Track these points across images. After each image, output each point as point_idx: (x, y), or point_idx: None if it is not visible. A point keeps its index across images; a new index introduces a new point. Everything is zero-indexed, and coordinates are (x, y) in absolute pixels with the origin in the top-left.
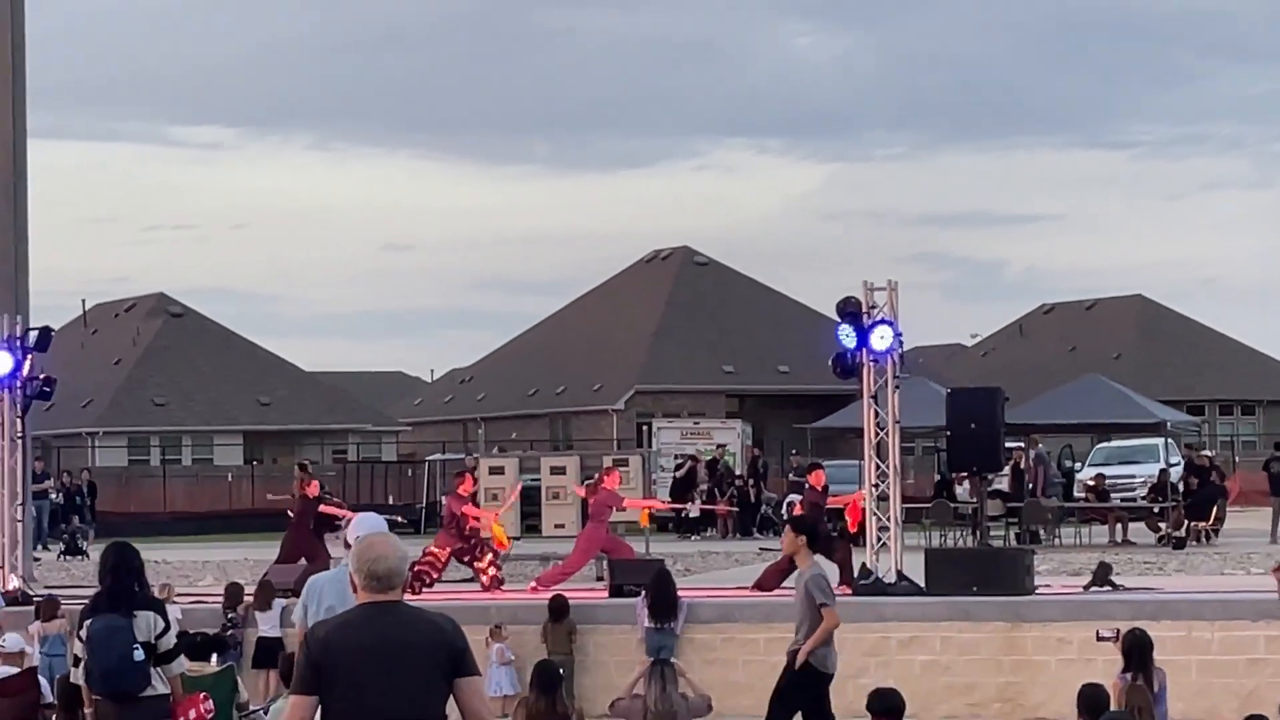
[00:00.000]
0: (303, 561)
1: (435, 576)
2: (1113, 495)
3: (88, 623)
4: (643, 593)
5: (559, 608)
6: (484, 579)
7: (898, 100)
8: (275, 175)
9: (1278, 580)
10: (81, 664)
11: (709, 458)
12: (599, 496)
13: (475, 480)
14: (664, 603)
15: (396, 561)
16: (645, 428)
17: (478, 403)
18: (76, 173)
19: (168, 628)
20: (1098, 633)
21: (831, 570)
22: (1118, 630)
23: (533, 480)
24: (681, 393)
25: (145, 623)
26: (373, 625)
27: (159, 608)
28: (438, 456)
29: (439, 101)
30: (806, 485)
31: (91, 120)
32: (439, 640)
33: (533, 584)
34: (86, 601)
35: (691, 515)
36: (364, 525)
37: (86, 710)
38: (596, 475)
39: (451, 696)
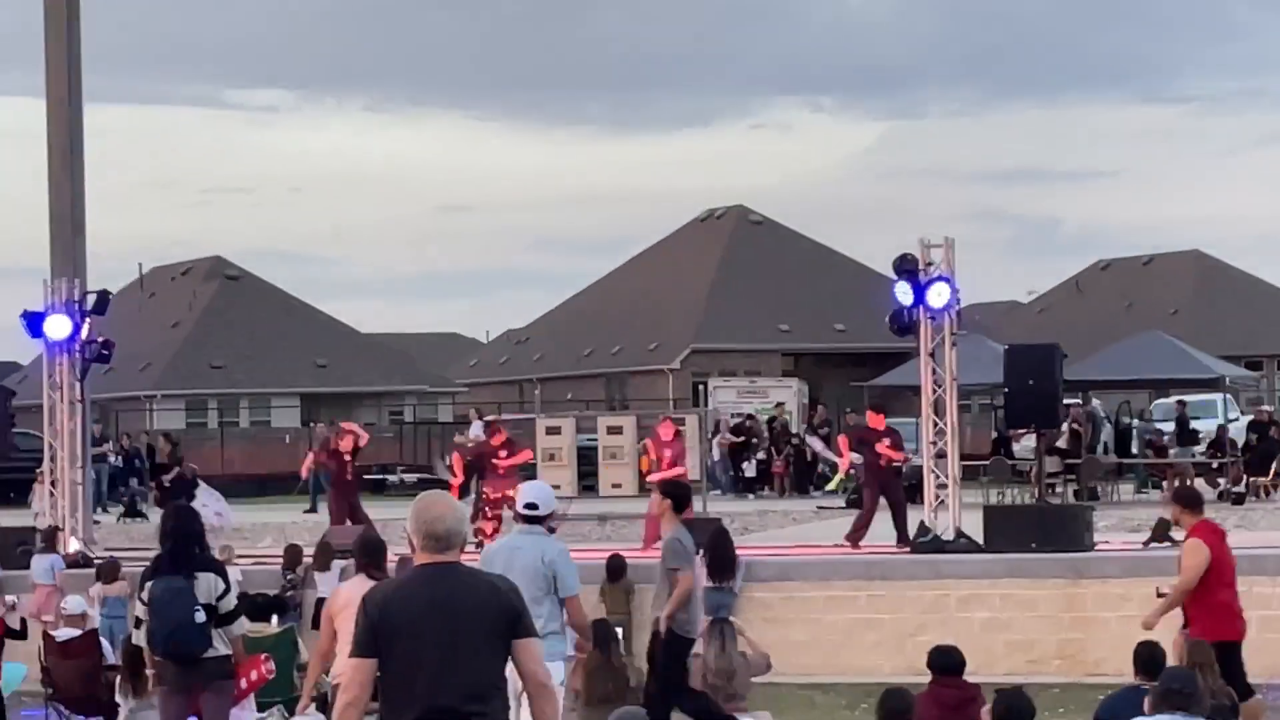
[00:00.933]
0: (347, 523)
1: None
2: (1171, 451)
3: (149, 585)
4: (700, 552)
5: (617, 568)
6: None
7: (953, 57)
8: (331, 137)
9: None
10: (143, 626)
11: (767, 416)
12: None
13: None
14: (722, 562)
15: (455, 522)
16: (701, 387)
17: (534, 363)
18: (133, 136)
19: (228, 589)
20: (1158, 589)
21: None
22: None
23: (589, 440)
24: (737, 352)
25: (206, 584)
26: (431, 587)
27: (220, 569)
28: (494, 417)
29: (495, 62)
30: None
31: (148, 84)
32: (497, 602)
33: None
34: (147, 564)
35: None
36: (531, 492)
37: (149, 671)
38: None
39: (509, 659)
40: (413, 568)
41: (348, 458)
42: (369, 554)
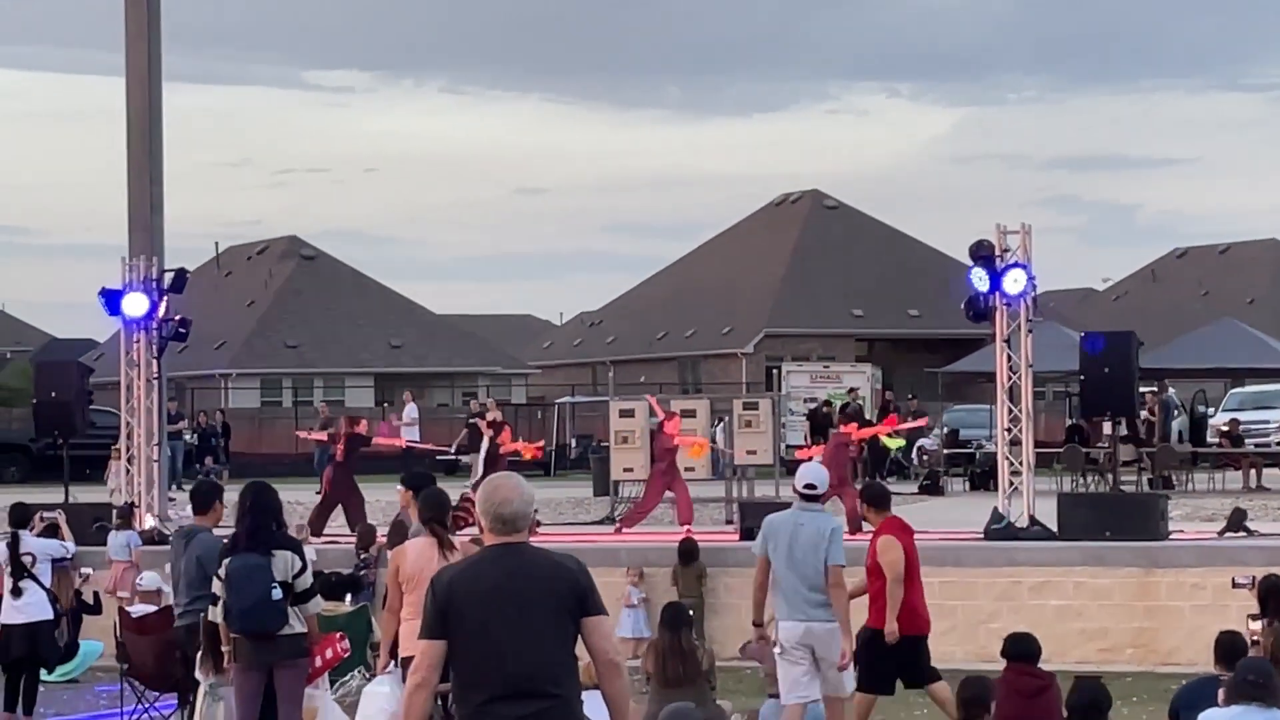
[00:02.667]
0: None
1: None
2: (1247, 440)
3: (226, 562)
4: None
5: (689, 551)
6: None
7: (1031, 43)
8: (408, 119)
9: None
10: (220, 602)
11: (841, 402)
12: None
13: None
14: None
15: (522, 504)
16: (774, 371)
17: (607, 346)
18: (211, 116)
19: (305, 567)
20: (1233, 579)
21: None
22: (1254, 577)
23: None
24: (811, 336)
25: (283, 562)
26: (499, 567)
27: (296, 547)
28: (567, 399)
29: (572, 45)
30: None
31: (227, 64)
32: (565, 581)
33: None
34: (224, 541)
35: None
36: (809, 474)
37: (225, 648)
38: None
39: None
40: (482, 548)
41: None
42: (433, 508)
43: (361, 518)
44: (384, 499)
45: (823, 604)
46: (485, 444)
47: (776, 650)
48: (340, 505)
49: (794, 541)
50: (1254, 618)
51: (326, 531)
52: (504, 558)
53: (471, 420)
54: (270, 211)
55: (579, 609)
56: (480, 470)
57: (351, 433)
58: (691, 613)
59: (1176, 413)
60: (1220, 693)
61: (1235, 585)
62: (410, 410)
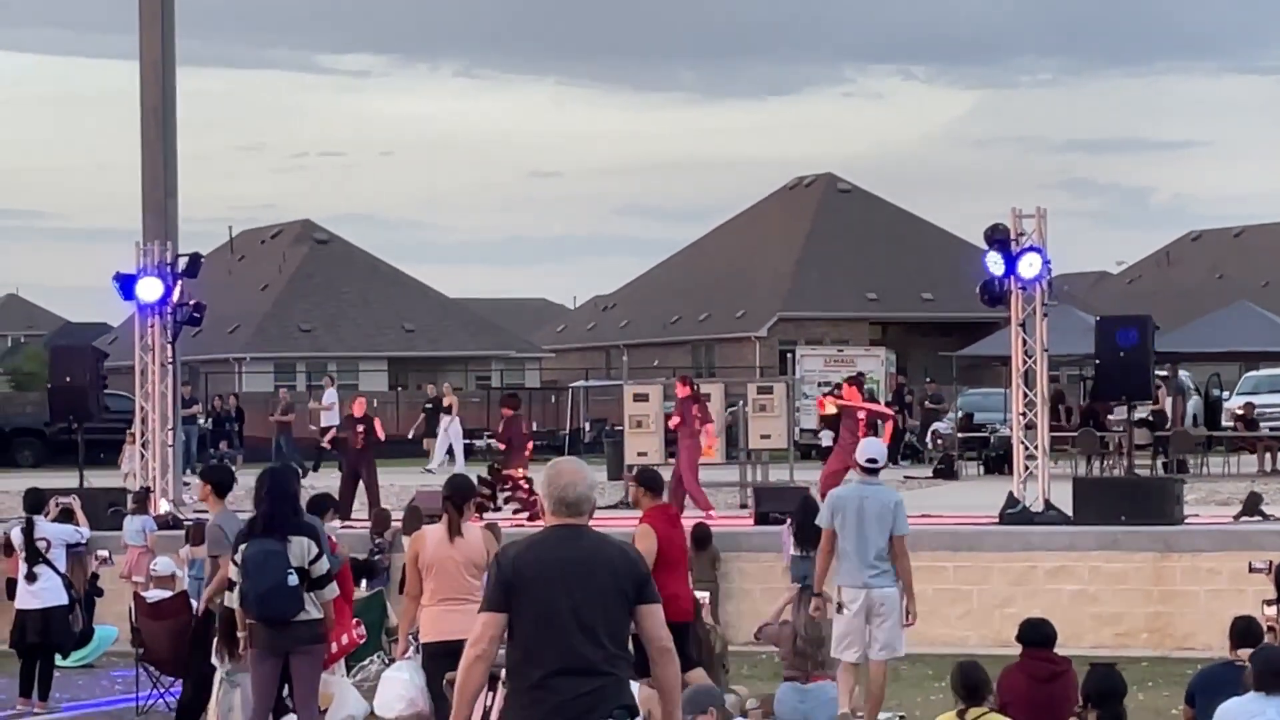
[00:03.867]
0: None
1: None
2: (1262, 424)
3: (243, 547)
4: (788, 520)
5: (702, 536)
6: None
7: (1046, 25)
8: (423, 102)
9: None
10: (236, 588)
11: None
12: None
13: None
14: (809, 530)
15: (586, 489)
16: (788, 355)
17: (621, 329)
18: (226, 100)
19: (321, 553)
20: (1250, 564)
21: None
22: (1270, 561)
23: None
24: (825, 320)
25: (299, 548)
26: (563, 547)
27: (313, 533)
28: (581, 383)
29: (587, 28)
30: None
31: (242, 48)
32: (626, 565)
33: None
34: (242, 526)
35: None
36: (871, 449)
37: (241, 634)
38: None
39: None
40: (545, 528)
41: (360, 427)
42: (452, 489)
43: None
44: (399, 483)
45: (883, 572)
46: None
47: (836, 610)
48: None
49: (861, 514)
50: (1269, 603)
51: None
52: (568, 538)
53: (428, 405)
54: (284, 195)
55: (636, 595)
56: (439, 454)
57: (352, 414)
58: (707, 597)
59: (1187, 395)
60: (1243, 681)
61: (1252, 570)
62: (329, 395)
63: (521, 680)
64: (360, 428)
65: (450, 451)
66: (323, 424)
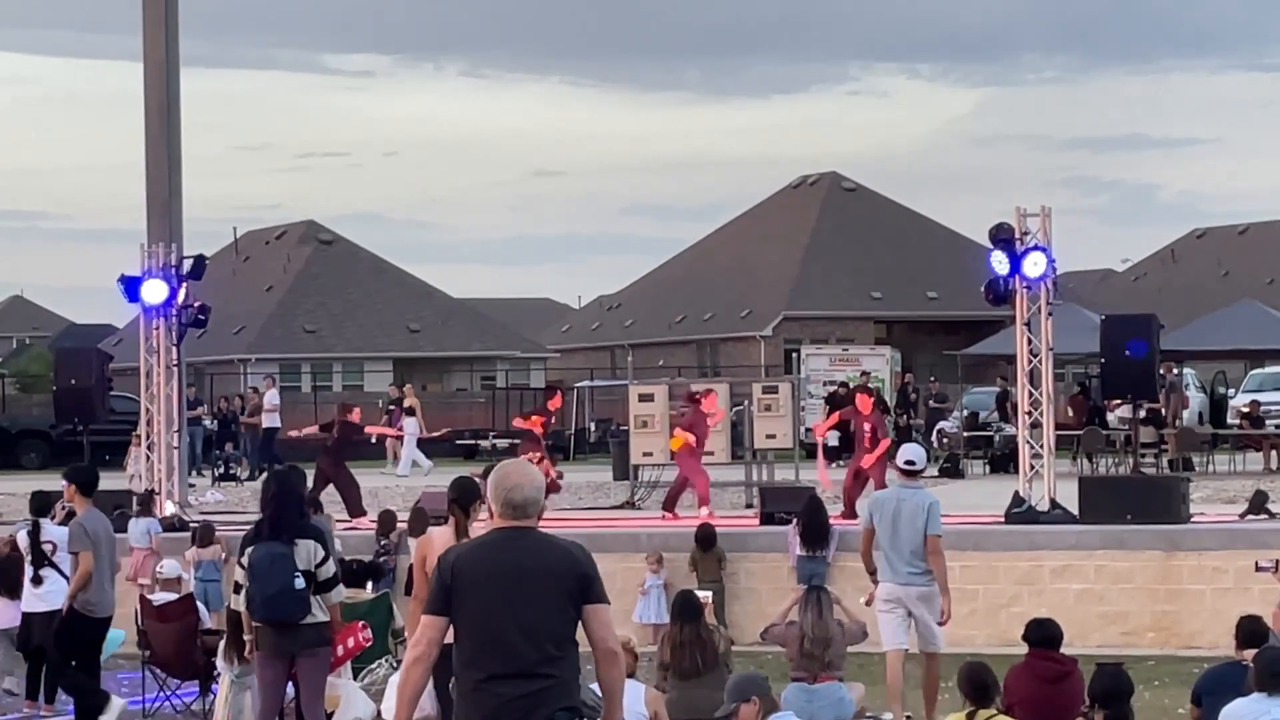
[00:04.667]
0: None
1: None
2: (1267, 422)
3: (249, 550)
4: (794, 520)
5: (707, 536)
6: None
7: (1052, 23)
8: (428, 102)
9: None
10: (243, 591)
11: (856, 386)
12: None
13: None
14: (815, 530)
15: (532, 490)
16: (793, 354)
17: (625, 329)
18: (231, 100)
19: (328, 556)
20: (1257, 563)
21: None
22: (1277, 560)
23: (682, 408)
24: (829, 319)
25: (306, 551)
26: (504, 549)
27: (319, 536)
28: (586, 383)
29: (591, 27)
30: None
31: (247, 49)
32: (568, 566)
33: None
34: (248, 528)
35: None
36: (910, 452)
37: (247, 637)
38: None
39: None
40: (489, 530)
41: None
42: (458, 491)
43: (360, 506)
44: (404, 484)
45: (920, 570)
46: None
47: (877, 606)
48: (338, 491)
49: (897, 515)
50: None
51: (346, 518)
52: (510, 540)
53: (390, 406)
54: (290, 196)
55: (580, 595)
56: (407, 454)
57: (344, 420)
58: (712, 596)
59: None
60: (1247, 681)
61: (1259, 569)
62: (271, 396)
63: (464, 683)
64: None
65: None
66: (265, 425)
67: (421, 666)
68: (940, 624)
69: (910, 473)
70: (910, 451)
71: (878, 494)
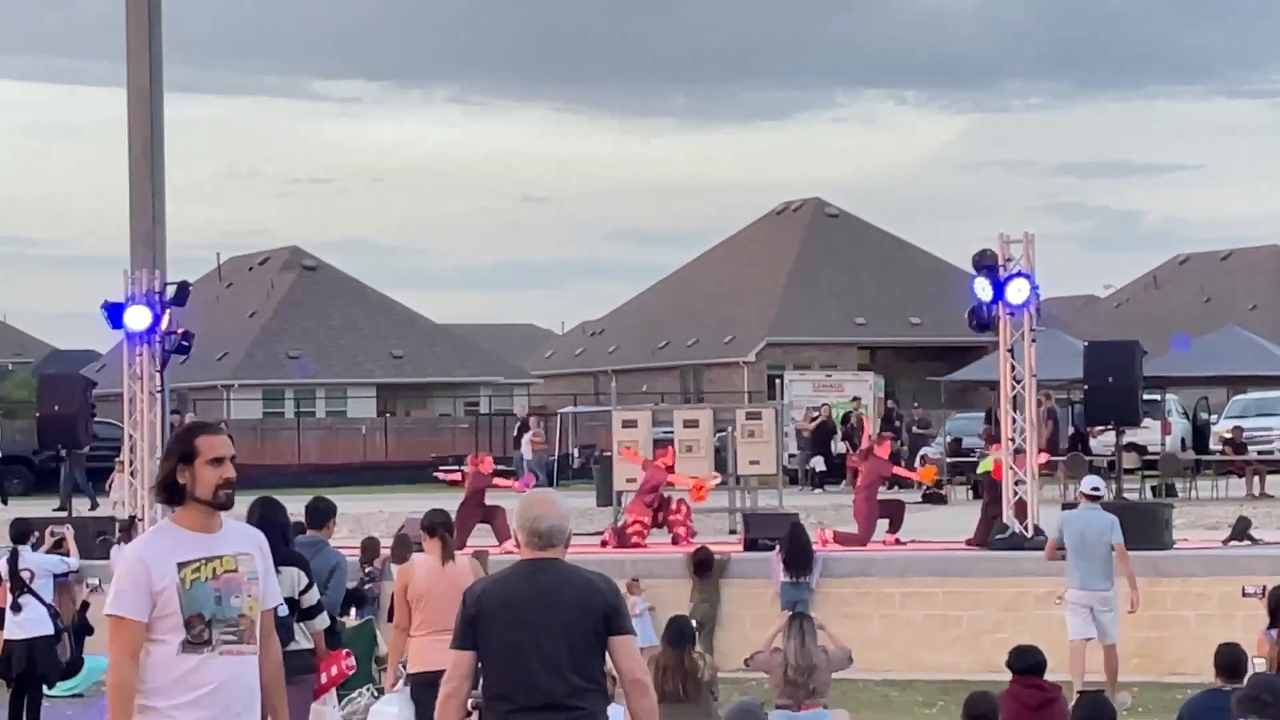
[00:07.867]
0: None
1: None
2: (1250, 448)
3: None
4: (777, 546)
5: (704, 561)
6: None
7: (1037, 50)
8: (415, 128)
9: None
10: None
11: (844, 412)
12: (871, 464)
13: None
14: (799, 556)
15: (558, 520)
16: (777, 380)
17: (609, 355)
18: (216, 126)
19: (311, 583)
20: (1243, 589)
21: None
22: (1264, 586)
23: (665, 433)
24: (813, 345)
25: (289, 578)
26: (529, 581)
27: (303, 563)
28: (569, 409)
29: (578, 54)
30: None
31: (234, 74)
32: (594, 598)
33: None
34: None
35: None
36: (1093, 480)
37: None
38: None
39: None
40: (515, 561)
41: None
42: (437, 515)
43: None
44: (388, 510)
45: (1103, 576)
46: None
47: (1068, 606)
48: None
49: (1085, 532)
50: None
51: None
52: (536, 573)
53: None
54: (276, 222)
55: (606, 627)
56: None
57: (476, 470)
58: (703, 623)
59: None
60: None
61: (1245, 595)
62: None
63: (492, 715)
64: None
65: None
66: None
67: (455, 701)
68: (1129, 613)
69: (1093, 497)
70: (1092, 481)
71: (1067, 514)
